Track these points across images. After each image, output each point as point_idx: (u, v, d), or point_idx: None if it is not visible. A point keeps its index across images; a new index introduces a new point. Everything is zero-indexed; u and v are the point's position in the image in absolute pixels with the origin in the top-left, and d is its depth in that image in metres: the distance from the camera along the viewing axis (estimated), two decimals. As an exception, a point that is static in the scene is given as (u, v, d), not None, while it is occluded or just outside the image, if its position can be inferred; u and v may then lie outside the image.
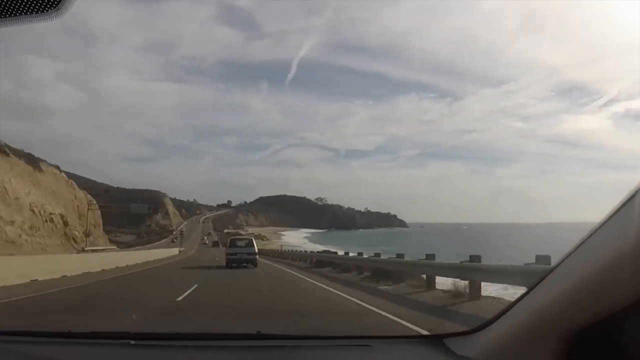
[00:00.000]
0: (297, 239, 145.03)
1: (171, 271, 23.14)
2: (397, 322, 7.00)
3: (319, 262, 25.05)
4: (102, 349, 2.06)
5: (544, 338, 1.15)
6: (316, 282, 15.26)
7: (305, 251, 37.15)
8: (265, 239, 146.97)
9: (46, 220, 46.54)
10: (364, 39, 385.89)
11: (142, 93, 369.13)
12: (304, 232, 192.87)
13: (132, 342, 2.04)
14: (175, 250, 53.88)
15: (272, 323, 6.36)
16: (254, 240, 26.17)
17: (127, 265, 25.57)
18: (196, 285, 13.41)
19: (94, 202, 67.28)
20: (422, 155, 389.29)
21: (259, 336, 2.19)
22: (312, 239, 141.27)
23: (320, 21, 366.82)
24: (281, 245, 66.83)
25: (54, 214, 48.73)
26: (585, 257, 1.06)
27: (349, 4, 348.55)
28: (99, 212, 66.27)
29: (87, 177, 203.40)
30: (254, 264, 23.42)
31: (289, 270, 22.28)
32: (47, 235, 45.56)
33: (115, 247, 65.79)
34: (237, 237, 34.57)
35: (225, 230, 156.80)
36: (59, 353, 1.96)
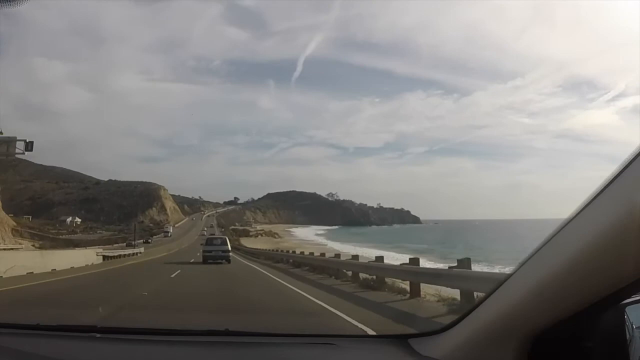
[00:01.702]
0: (310, 236, 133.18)
1: None
2: None
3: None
4: (69, 341, 2.04)
5: (507, 339, 1.16)
6: None
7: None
8: (277, 236, 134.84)
9: None
10: (370, 35, 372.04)
11: (151, 93, 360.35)
12: (316, 228, 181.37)
13: (98, 335, 2.05)
14: (88, 256, 27.28)
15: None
16: (227, 239, 29.02)
17: None
18: None
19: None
20: (430, 152, 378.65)
21: (226, 332, 2.17)
22: (328, 236, 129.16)
23: (327, 18, 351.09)
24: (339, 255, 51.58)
25: None
26: (546, 259, 1.09)
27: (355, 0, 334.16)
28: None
29: (80, 172, 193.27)
30: (228, 260, 25.92)
31: None
32: None
33: (22, 245, 47.25)
34: (213, 236, 37.14)
35: (231, 227, 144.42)
36: (26, 345, 1.90)
